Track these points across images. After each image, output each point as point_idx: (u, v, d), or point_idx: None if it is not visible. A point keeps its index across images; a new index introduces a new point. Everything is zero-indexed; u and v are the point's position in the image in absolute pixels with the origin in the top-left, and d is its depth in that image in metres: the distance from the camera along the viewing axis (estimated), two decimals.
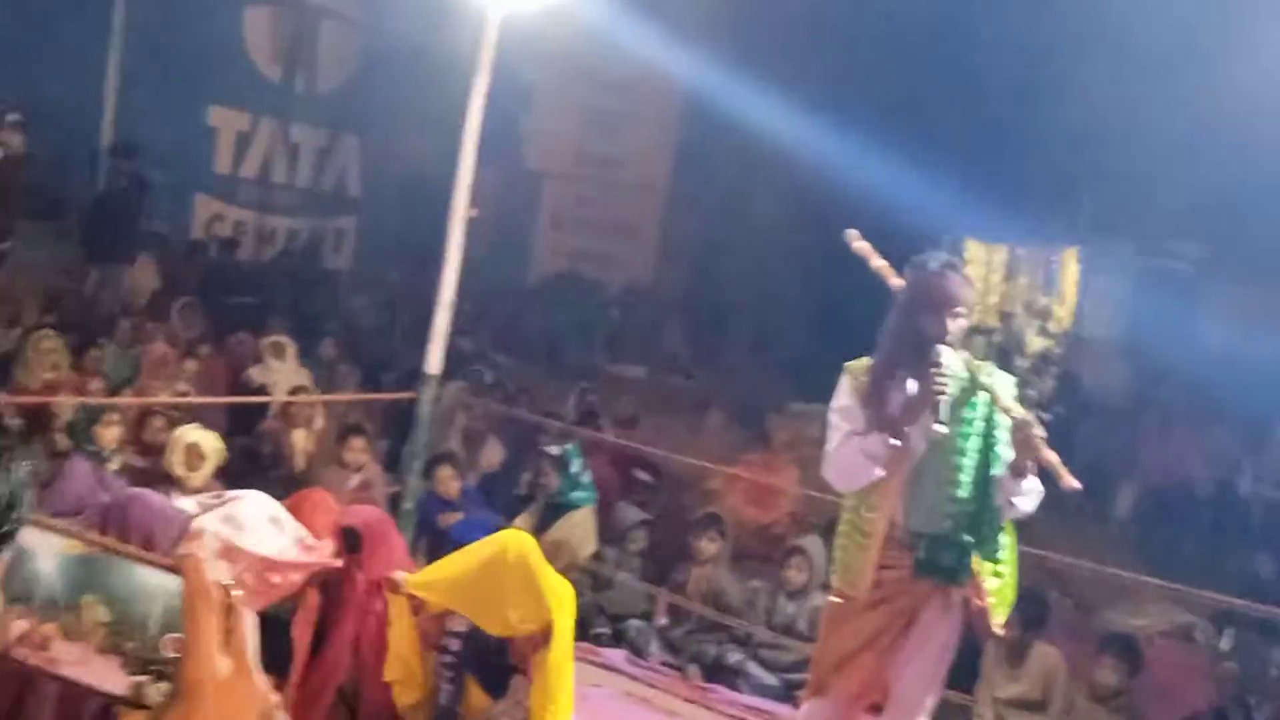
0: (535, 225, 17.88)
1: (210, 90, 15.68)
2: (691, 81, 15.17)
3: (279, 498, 6.40)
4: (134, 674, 0.82)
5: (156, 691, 0.80)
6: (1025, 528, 5.77)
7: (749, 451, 10.92)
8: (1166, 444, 11.98)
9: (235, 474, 7.94)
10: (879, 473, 4.57)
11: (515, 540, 5.75)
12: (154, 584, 0.85)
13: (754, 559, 8.86)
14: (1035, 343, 17.44)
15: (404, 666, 5.58)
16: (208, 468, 7.48)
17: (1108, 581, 8.69)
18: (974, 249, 17.91)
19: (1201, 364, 13.49)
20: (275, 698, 1.04)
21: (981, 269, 17.94)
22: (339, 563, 5.54)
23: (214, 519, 5.56)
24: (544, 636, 5.49)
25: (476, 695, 5.69)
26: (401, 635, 5.54)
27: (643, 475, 9.26)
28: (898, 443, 4.52)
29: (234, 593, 1.04)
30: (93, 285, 12.20)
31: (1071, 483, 4.45)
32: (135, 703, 0.82)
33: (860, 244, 4.88)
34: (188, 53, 14.68)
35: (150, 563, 0.85)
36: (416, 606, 5.58)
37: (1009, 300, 18.20)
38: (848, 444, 4.60)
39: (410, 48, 14.15)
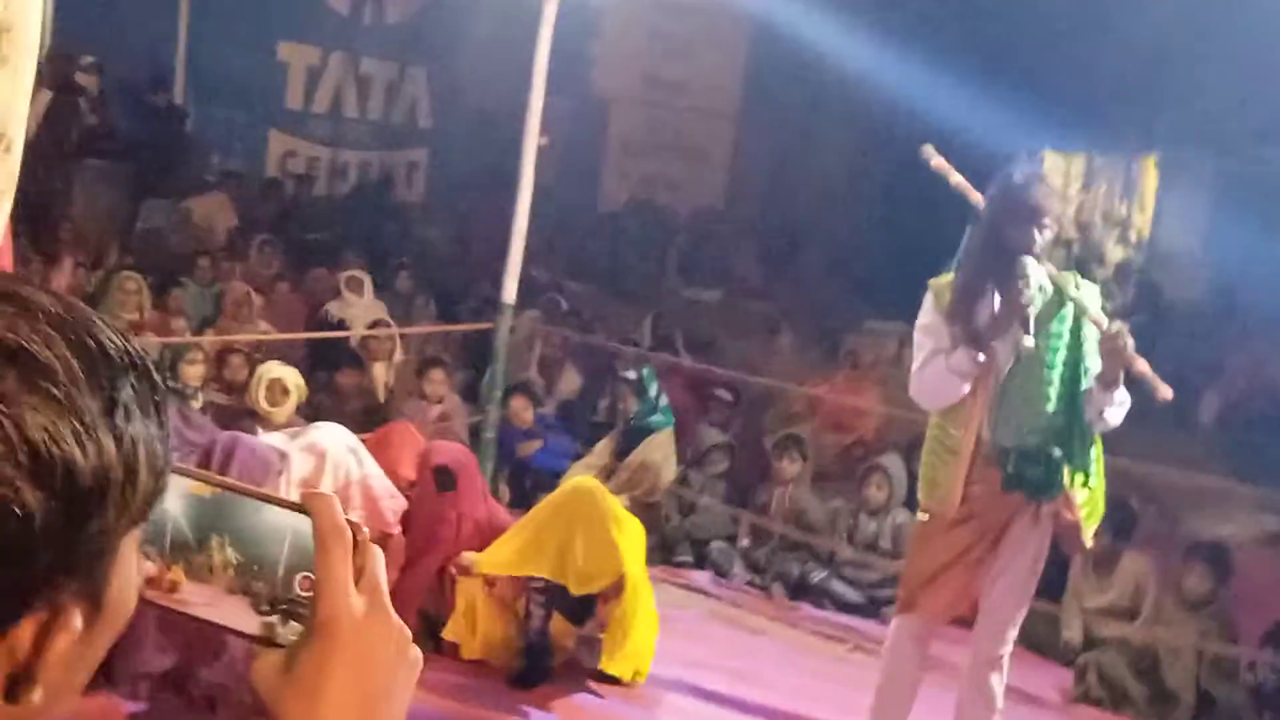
0: (605, 152, 17.80)
1: (279, 25, 15.71)
2: (758, 3, 14.97)
3: (361, 431, 6.49)
4: (264, 614, 0.82)
5: (289, 631, 0.80)
6: (1109, 437, 5.70)
7: (827, 372, 10.88)
8: (1250, 350, 11.79)
9: (318, 408, 8.04)
10: (965, 389, 4.53)
11: (580, 493, 5.83)
12: (282, 523, 0.85)
13: (834, 479, 8.85)
14: (1115, 252, 17.21)
15: (483, 638, 5.69)
16: (291, 403, 7.57)
17: (1194, 489, 8.62)
18: (1051, 159, 17.65)
19: None
20: (408, 632, 1.04)
21: (1060, 179, 17.70)
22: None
23: (296, 448, 5.65)
24: (616, 588, 5.56)
25: (561, 623, 5.79)
26: (471, 609, 5.63)
27: (724, 394, 9.24)
28: (983, 358, 4.48)
29: (364, 529, 1.04)
30: (169, 222, 12.29)
31: (1165, 392, 4.41)
32: (270, 641, 0.82)
33: (938, 160, 4.82)
34: None
35: (277, 502, 0.86)
36: (491, 582, 5.67)
37: (1087, 210, 17.96)
38: (934, 362, 4.57)
39: None
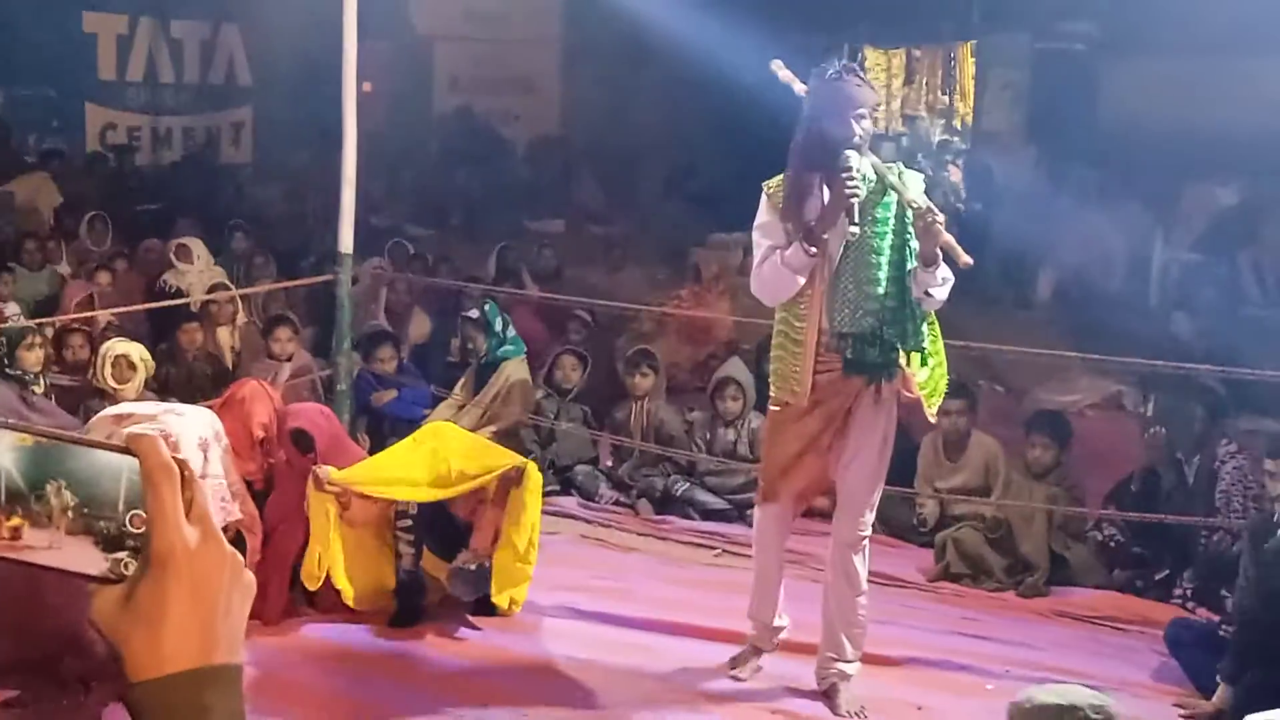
0: (432, 90, 17.63)
1: None
2: None
3: (211, 397, 6.43)
4: (109, 552, 0.83)
5: (134, 566, 0.82)
6: (955, 323, 5.91)
7: (676, 288, 10.99)
8: (1080, 224, 12.13)
9: (165, 381, 7.93)
10: (800, 282, 4.69)
11: (441, 424, 5.98)
12: (114, 465, 0.87)
13: (690, 392, 8.98)
14: (941, 139, 17.56)
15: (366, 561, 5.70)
16: (139, 378, 7.45)
17: (1037, 363, 8.87)
18: (873, 56, 17.89)
19: (1105, 141, 13.65)
20: (240, 558, 1.09)
21: (882, 75, 17.96)
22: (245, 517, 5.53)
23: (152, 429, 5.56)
24: (503, 485, 5.62)
25: (431, 559, 5.82)
26: (321, 528, 5.62)
27: (582, 314, 9.31)
28: (815, 250, 4.64)
29: (190, 465, 1.08)
30: None
31: (966, 260, 4.63)
32: (114, 581, 0.83)
33: (785, 73, 4.99)
34: None
35: (105, 446, 0.87)
36: (345, 503, 5.66)
37: (911, 103, 18.27)
38: (770, 258, 4.73)
39: None
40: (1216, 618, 5.70)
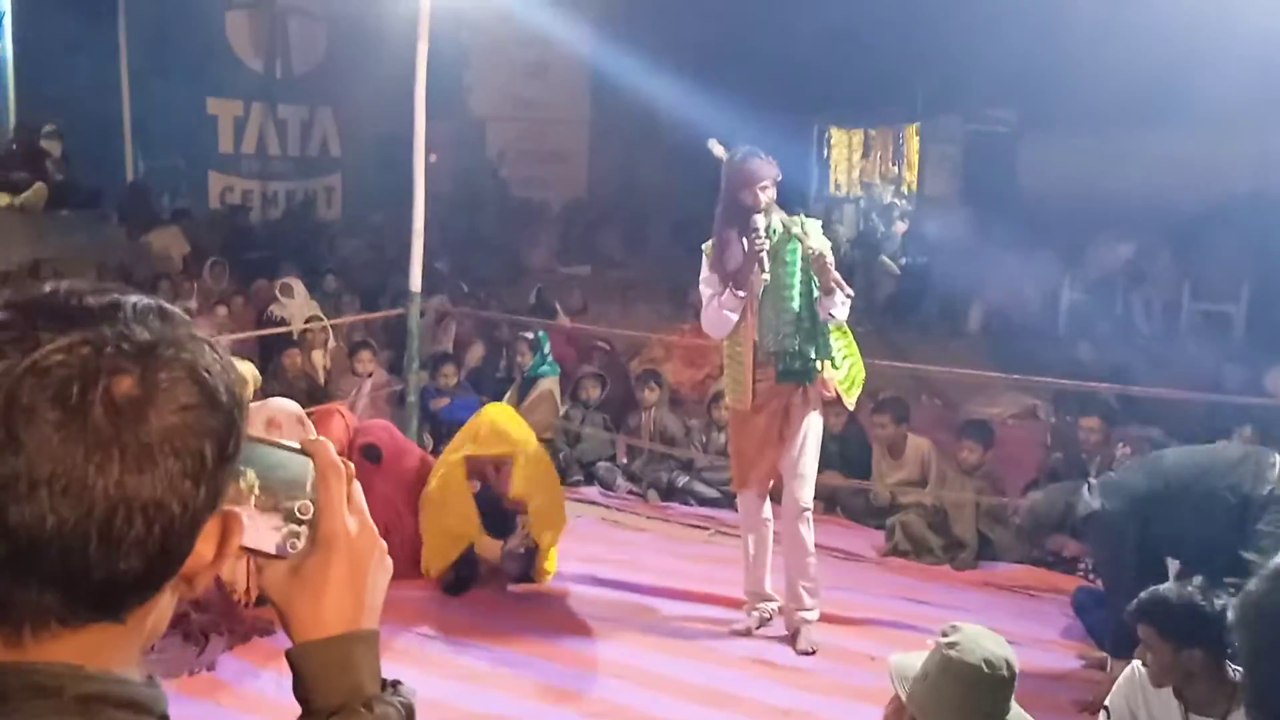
0: (484, 160, 17.68)
1: (207, 84, 15.39)
2: (596, 29, 14.93)
3: (306, 406, 6.44)
4: (290, 524, 0.83)
5: (293, 548, 0.82)
6: (899, 346, 5.91)
7: (679, 321, 10.99)
8: (1003, 270, 12.12)
9: (269, 393, 7.93)
10: (734, 319, 4.92)
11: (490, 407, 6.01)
12: (293, 459, 0.86)
13: (690, 404, 8.98)
14: (890, 203, 17.54)
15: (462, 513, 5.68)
16: (249, 390, 7.47)
17: (967, 382, 8.87)
18: (836, 134, 17.92)
19: (1024, 203, 13.65)
20: (384, 544, 1.10)
21: (844, 150, 17.98)
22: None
23: (257, 418, 5.58)
24: (509, 458, 5.62)
25: (487, 539, 5.81)
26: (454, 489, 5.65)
27: (602, 345, 9.34)
28: (742, 293, 4.87)
29: (351, 466, 1.08)
30: (127, 256, 12.01)
31: (847, 290, 4.84)
32: (278, 557, 0.83)
33: (719, 149, 5.08)
34: (184, 55, 14.38)
35: (283, 447, 0.87)
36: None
37: (868, 173, 18.27)
38: (712, 304, 4.96)
39: (365, 28, 13.83)
40: None
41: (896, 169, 17.89)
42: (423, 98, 7.34)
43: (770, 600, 5.30)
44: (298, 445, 1.06)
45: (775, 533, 5.23)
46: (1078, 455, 6.97)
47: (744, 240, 4.84)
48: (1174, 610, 3.08)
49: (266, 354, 8.99)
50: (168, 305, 0.89)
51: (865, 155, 18.18)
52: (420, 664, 4.89)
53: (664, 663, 5.00)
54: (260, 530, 1.02)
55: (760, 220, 4.79)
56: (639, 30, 14.05)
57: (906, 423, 7.00)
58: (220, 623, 4.83)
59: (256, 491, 1.01)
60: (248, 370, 7.49)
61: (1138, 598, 3.33)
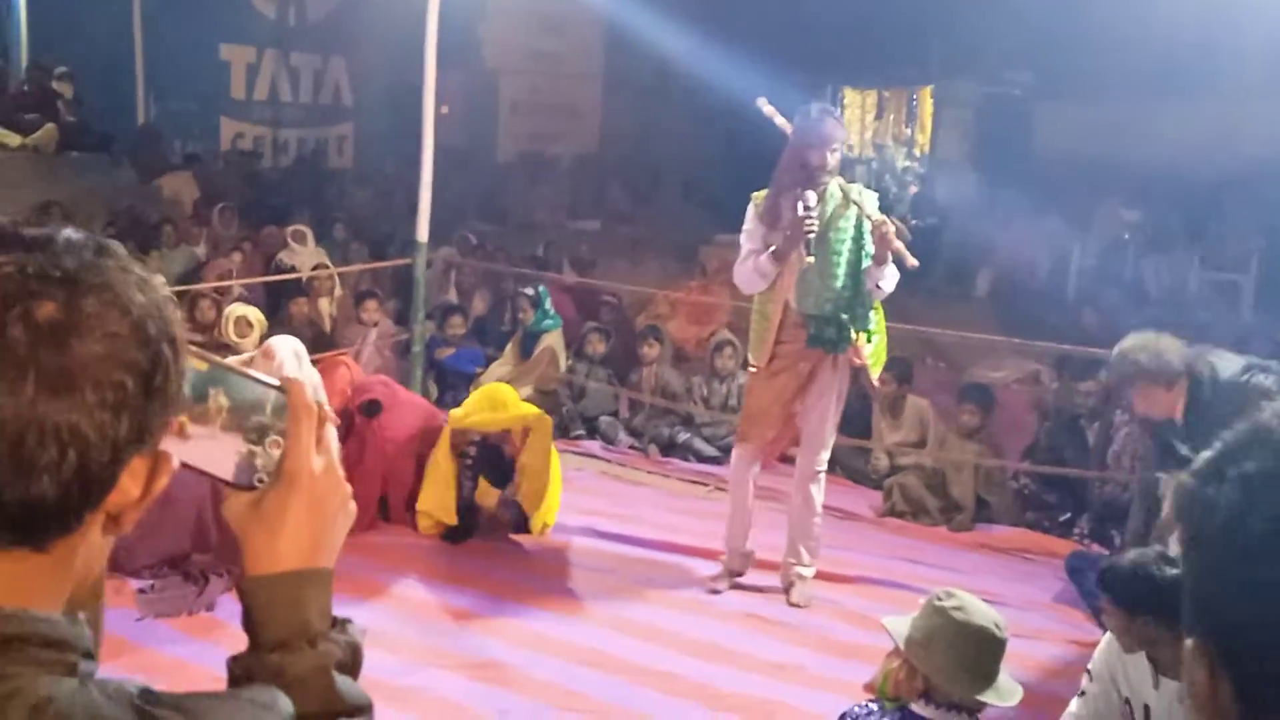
0: (497, 114, 17.59)
1: (220, 30, 15.29)
2: None
3: (312, 353, 6.44)
4: (253, 443, 0.83)
5: (265, 469, 0.82)
6: (907, 309, 5.92)
7: (686, 279, 10.98)
8: (1013, 235, 12.09)
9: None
10: (765, 285, 4.87)
11: (495, 385, 6.02)
12: (265, 394, 0.87)
13: (694, 361, 8.99)
14: (903, 164, 17.44)
15: (438, 492, 5.71)
16: (255, 334, 7.48)
17: (973, 345, 8.85)
18: (850, 95, 17.79)
19: (1035, 168, 13.56)
20: (349, 488, 1.10)
21: (856, 111, 17.85)
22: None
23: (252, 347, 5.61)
24: (525, 431, 5.65)
25: (486, 489, 5.85)
26: (438, 466, 5.66)
27: (610, 298, 9.34)
28: (780, 264, 4.78)
29: (326, 408, 1.09)
30: (138, 200, 12.00)
31: (912, 262, 4.71)
32: (241, 486, 0.83)
33: (769, 108, 5.02)
34: (197, 0, 14.29)
35: (260, 381, 0.87)
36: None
37: (880, 134, 18.15)
38: (749, 260, 4.86)
39: None
40: (1107, 552, 5.69)
41: (909, 131, 17.77)
42: (434, 48, 7.30)
43: (748, 557, 5.35)
44: (275, 381, 1.06)
45: (769, 490, 5.26)
46: (1076, 420, 6.98)
47: (797, 207, 4.68)
48: (1125, 578, 3.12)
49: (274, 301, 9.01)
50: (108, 241, 0.90)
51: (878, 116, 18.05)
52: (416, 610, 4.94)
53: (658, 615, 5.04)
54: (221, 452, 1.03)
55: (812, 199, 4.64)
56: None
57: (908, 384, 7.01)
58: (220, 563, 4.88)
59: (225, 414, 1.03)
60: (254, 315, 7.51)
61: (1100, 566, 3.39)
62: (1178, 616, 0.83)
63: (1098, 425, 6.72)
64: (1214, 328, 9.07)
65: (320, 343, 7.95)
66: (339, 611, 1.09)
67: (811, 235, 4.64)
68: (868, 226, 4.75)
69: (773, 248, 4.77)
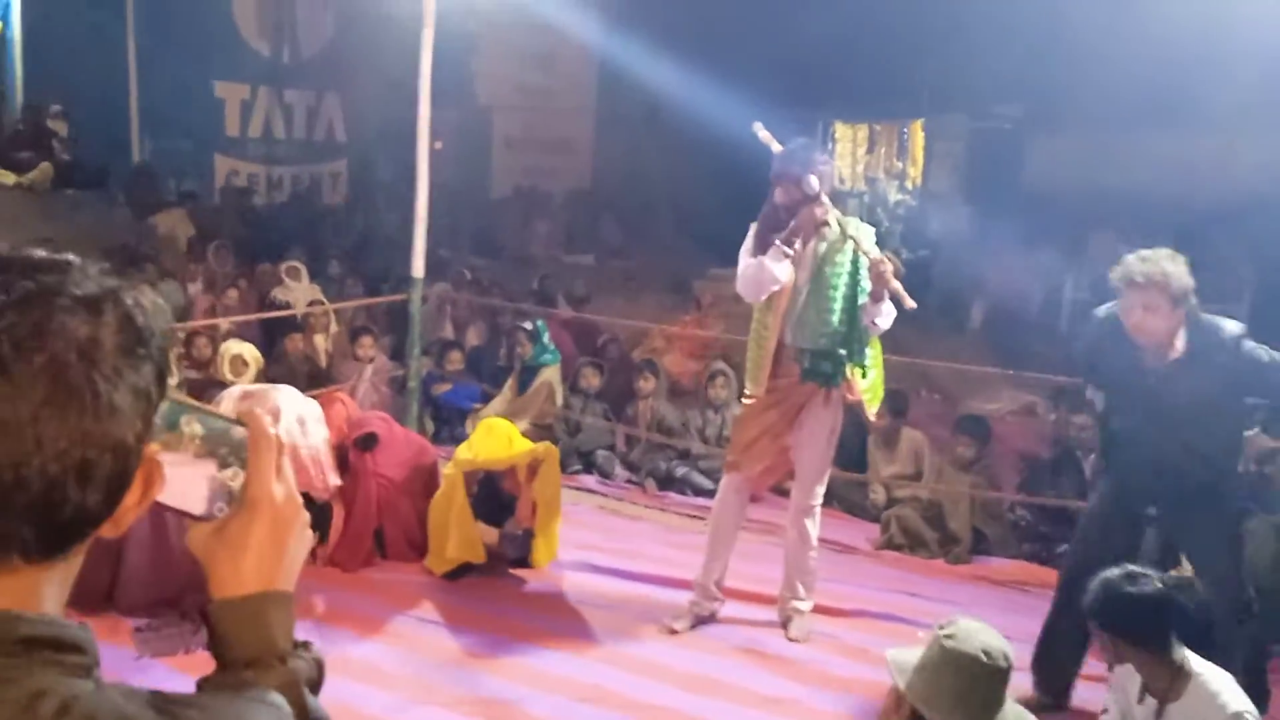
0: (491, 149, 17.68)
1: (214, 68, 15.39)
2: (603, 19, 14.93)
3: (307, 389, 6.45)
4: (226, 468, 0.87)
5: (225, 499, 0.85)
6: (901, 341, 5.92)
7: (681, 313, 11.00)
8: (1005, 267, 12.14)
9: (273, 377, 7.95)
10: (777, 283, 4.74)
11: (495, 420, 6.01)
12: (228, 427, 0.92)
13: (689, 395, 9.00)
14: (895, 198, 17.54)
15: (462, 533, 5.64)
16: (251, 373, 7.50)
17: (968, 377, 8.88)
18: (841, 129, 17.92)
19: (1026, 200, 13.65)
20: (307, 515, 1.15)
21: (848, 144, 17.98)
22: (335, 486, 5.59)
23: (259, 407, 5.59)
24: (532, 468, 5.65)
25: (480, 527, 5.82)
26: (455, 506, 5.63)
27: (607, 334, 9.38)
28: (791, 251, 4.69)
29: (283, 439, 1.14)
30: (133, 237, 12.02)
31: (910, 303, 4.68)
32: (204, 519, 0.86)
33: (764, 133, 4.97)
34: (191, 38, 14.38)
35: (224, 418, 0.91)
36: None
37: (872, 168, 18.27)
38: (753, 263, 4.76)
39: (372, 14, 13.84)
40: None
41: (901, 164, 17.90)
42: (427, 84, 7.35)
43: (715, 600, 5.28)
44: (234, 417, 1.12)
45: (765, 523, 5.24)
46: (1073, 453, 6.99)
47: (790, 211, 4.67)
48: (1097, 598, 3.17)
49: (269, 337, 9.02)
50: (107, 266, 0.95)
51: (870, 150, 18.19)
52: (414, 646, 4.92)
53: (656, 650, 5.02)
54: (194, 480, 1.08)
55: (814, 183, 4.62)
56: (646, 21, 14.04)
57: (903, 416, 7.02)
58: None
59: (198, 441, 1.08)
60: (250, 353, 7.52)
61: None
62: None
63: (1093, 457, 6.72)
64: None
65: (316, 379, 7.97)
66: (340, 646, 1.13)
67: (823, 218, 4.63)
68: (864, 262, 4.76)
69: (778, 237, 4.69)
